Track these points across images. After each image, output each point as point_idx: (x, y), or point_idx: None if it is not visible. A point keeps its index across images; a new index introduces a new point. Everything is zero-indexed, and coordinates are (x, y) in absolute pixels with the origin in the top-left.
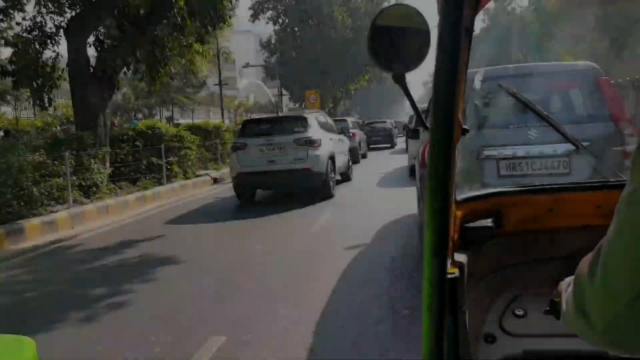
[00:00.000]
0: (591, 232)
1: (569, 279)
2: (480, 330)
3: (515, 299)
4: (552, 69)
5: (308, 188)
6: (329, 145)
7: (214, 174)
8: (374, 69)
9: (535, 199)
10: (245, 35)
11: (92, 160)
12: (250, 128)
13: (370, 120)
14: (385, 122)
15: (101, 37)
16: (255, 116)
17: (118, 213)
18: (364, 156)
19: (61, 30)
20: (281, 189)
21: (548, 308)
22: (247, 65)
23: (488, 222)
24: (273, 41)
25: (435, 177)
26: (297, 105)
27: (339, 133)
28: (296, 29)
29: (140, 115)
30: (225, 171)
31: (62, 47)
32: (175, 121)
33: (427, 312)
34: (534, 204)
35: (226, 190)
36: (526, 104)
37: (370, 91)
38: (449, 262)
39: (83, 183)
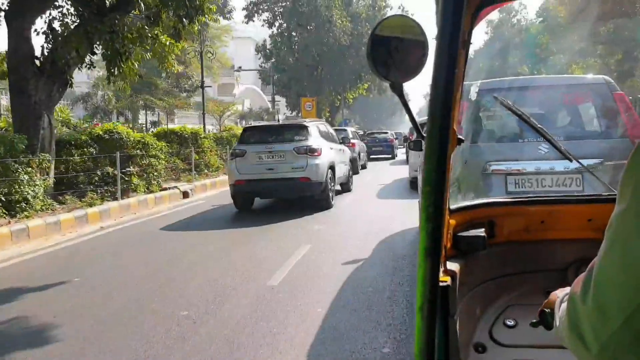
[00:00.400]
0: (582, 245)
1: (561, 291)
2: (470, 339)
3: (506, 309)
4: (564, 81)
5: (307, 197)
6: (330, 154)
7: (185, 186)
8: (375, 78)
9: (527, 211)
10: (245, 41)
11: (23, 169)
12: (249, 135)
13: (372, 131)
14: (386, 133)
15: (53, 25)
16: (255, 123)
17: (43, 237)
18: (364, 167)
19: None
20: (280, 197)
21: (536, 320)
22: (239, 69)
23: (480, 231)
24: (268, 45)
25: (430, 184)
26: (294, 113)
27: (340, 143)
28: (293, 33)
29: (122, 119)
30: (200, 183)
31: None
32: (161, 126)
33: (419, 319)
34: (526, 215)
35: (196, 207)
36: (521, 116)
37: (370, 101)
38: (441, 270)
39: (7, 198)
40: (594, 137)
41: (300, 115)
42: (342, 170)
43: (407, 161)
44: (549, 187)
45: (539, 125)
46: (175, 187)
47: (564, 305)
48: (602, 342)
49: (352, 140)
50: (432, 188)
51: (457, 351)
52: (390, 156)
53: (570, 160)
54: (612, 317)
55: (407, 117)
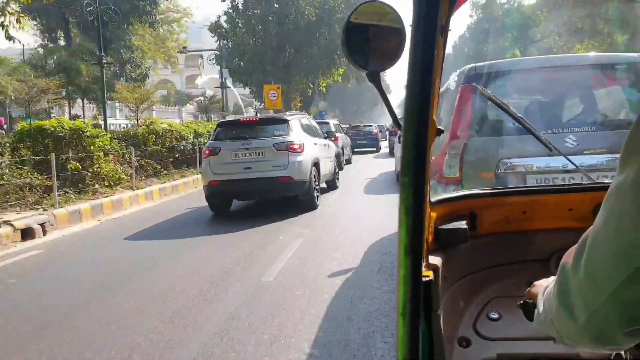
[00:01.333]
0: (564, 235)
1: (543, 281)
2: (455, 334)
3: (489, 302)
4: (587, 60)
5: (290, 198)
6: (313, 150)
7: (26, 221)
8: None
9: (508, 201)
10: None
11: None
12: (224, 131)
13: (356, 124)
14: (371, 126)
15: None
16: (232, 117)
17: None
18: (349, 161)
19: None
20: (259, 198)
21: (521, 303)
22: (184, 51)
23: (462, 224)
24: (224, 23)
25: (409, 177)
26: (260, 104)
27: (324, 136)
28: (254, 9)
29: (53, 112)
30: (72, 209)
31: None
32: (98, 122)
33: (401, 316)
34: (507, 206)
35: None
36: (501, 107)
37: (349, 92)
38: (423, 265)
39: None
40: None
41: (263, 105)
42: (327, 167)
43: (390, 154)
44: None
45: (518, 115)
46: (10, 223)
47: (550, 285)
48: (591, 312)
49: (335, 134)
50: (411, 182)
51: (441, 347)
52: (374, 149)
53: (551, 150)
54: (602, 286)
55: (382, 110)
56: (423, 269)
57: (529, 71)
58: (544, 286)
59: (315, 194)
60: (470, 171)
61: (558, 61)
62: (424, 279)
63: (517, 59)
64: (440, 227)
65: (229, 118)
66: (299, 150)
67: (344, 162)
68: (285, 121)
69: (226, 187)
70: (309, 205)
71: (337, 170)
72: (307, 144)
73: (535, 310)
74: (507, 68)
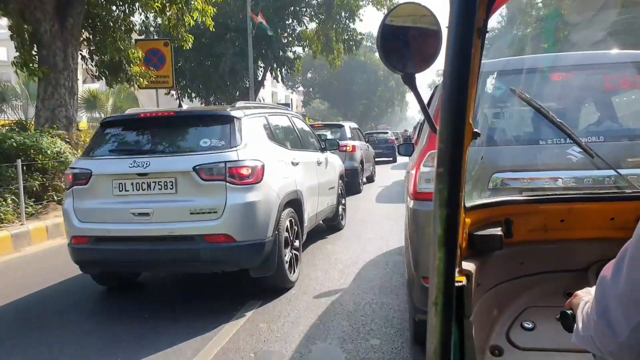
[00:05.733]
0: (604, 245)
1: (584, 291)
2: (486, 342)
3: (524, 311)
4: (606, 59)
5: (226, 273)
6: (288, 175)
7: None
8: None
9: (545, 209)
10: None
11: None
12: (108, 137)
13: (369, 131)
14: (386, 132)
15: None
16: (131, 110)
17: None
18: (370, 179)
19: None
20: (167, 272)
21: (559, 316)
22: None
23: (497, 230)
24: None
25: (445, 182)
26: (201, 101)
27: (320, 147)
28: None
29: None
30: None
31: None
32: None
33: (435, 315)
34: (545, 214)
35: None
36: (539, 110)
37: (355, 91)
38: (456, 270)
39: None
40: None
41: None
42: (322, 202)
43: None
44: None
45: (558, 120)
46: None
47: (590, 302)
48: (632, 327)
49: (350, 142)
50: (446, 187)
51: (473, 355)
52: (391, 159)
53: (592, 156)
54: None
55: (405, 113)
56: (456, 274)
57: (534, 71)
58: (584, 300)
59: (284, 268)
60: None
61: (572, 59)
62: (456, 284)
63: (520, 57)
64: (474, 232)
65: (129, 111)
66: (251, 178)
67: (363, 182)
68: (229, 120)
69: (101, 252)
70: (274, 283)
71: (342, 201)
72: (273, 165)
73: (575, 324)
74: (508, 67)
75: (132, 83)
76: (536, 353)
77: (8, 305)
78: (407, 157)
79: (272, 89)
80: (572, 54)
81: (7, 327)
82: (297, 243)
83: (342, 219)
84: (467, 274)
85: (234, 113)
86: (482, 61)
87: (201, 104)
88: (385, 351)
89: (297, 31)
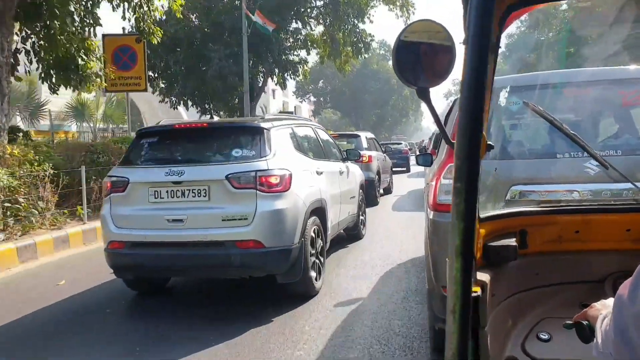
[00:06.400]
0: (620, 257)
1: (600, 303)
2: (502, 352)
3: (539, 322)
4: (622, 75)
5: (256, 277)
6: (313, 184)
7: None
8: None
9: (560, 220)
10: None
11: None
12: (144, 147)
13: (384, 142)
14: (400, 143)
15: None
16: (165, 122)
17: None
18: (388, 190)
19: None
20: (198, 277)
21: (571, 322)
22: None
23: (512, 241)
24: None
25: (462, 194)
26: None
27: (342, 157)
28: None
29: None
30: None
31: None
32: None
33: (453, 324)
34: (560, 225)
35: None
36: (552, 122)
37: (367, 100)
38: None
39: None
40: None
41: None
42: (344, 210)
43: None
44: None
45: (572, 132)
46: None
47: (608, 317)
48: None
49: (368, 153)
50: (462, 197)
51: None
52: (405, 169)
53: (606, 167)
54: None
55: (420, 123)
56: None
57: (549, 87)
58: (603, 315)
59: (311, 273)
60: None
61: (587, 76)
62: (471, 294)
63: (534, 74)
64: (489, 243)
65: (163, 122)
66: (279, 187)
67: (380, 194)
68: (259, 131)
69: (137, 257)
70: (301, 289)
71: (363, 210)
72: (299, 174)
73: (594, 339)
74: (523, 83)
75: (84, 85)
76: None
77: (51, 311)
78: (424, 167)
79: (284, 98)
80: (589, 70)
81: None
82: (321, 250)
83: (362, 228)
84: (481, 285)
85: (263, 125)
86: (504, 77)
87: (198, 113)
88: (407, 358)
89: (303, 34)
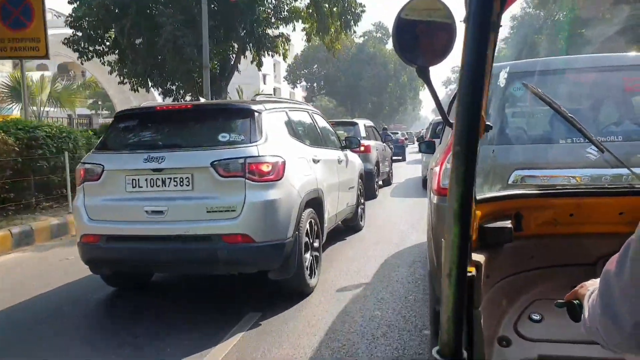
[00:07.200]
0: (613, 240)
1: (590, 282)
2: (495, 333)
3: (532, 303)
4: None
5: (247, 273)
6: (309, 173)
7: None
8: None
9: (555, 203)
10: None
11: None
12: (123, 131)
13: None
14: (397, 133)
15: None
16: (147, 104)
17: None
18: (387, 182)
19: None
20: (183, 274)
21: (562, 302)
22: None
23: (507, 223)
24: None
25: (458, 173)
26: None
27: (341, 145)
28: None
29: None
30: None
31: None
32: None
33: (445, 310)
34: (555, 207)
35: None
36: (551, 105)
37: (363, 87)
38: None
39: None
40: None
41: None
42: (342, 201)
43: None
44: None
45: (570, 115)
46: None
47: (595, 290)
48: (637, 319)
49: (366, 142)
50: (459, 177)
51: (481, 345)
52: (400, 158)
53: (602, 151)
54: None
55: (418, 112)
56: None
57: (554, 72)
58: (590, 291)
59: (304, 271)
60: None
61: (590, 62)
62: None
63: (537, 60)
64: (484, 225)
65: (145, 104)
66: (271, 175)
67: (378, 185)
68: (249, 114)
69: (113, 251)
70: (294, 286)
71: (362, 201)
72: (294, 162)
73: (582, 315)
74: (527, 69)
75: None
76: (544, 344)
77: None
78: (420, 155)
79: (276, 84)
80: (592, 56)
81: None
82: (317, 244)
83: (361, 220)
84: (476, 265)
85: (254, 107)
86: (509, 62)
87: (160, 95)
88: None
89: (287, 5)
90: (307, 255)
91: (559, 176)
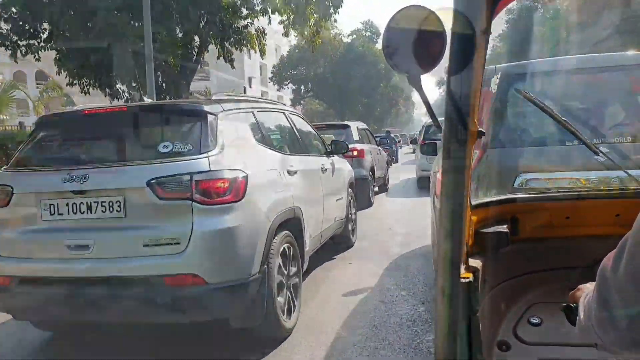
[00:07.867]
0: (610, 242)
1: (588, 285)
2: (494, 337)
3: (530, 307)
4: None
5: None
6: (280, 189)
7: None
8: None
9: (551, 206)
10: None
11: None
12: (41, 143)
13: (377, 135)
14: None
15: None
16: (81, 107)
17: None
18: (383, 188)
19: None
20: (117, 322)
21: (565, 304)
22: None
23: (503, 228)
24: None
25: (449, 179)
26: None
27: (326, 151)
28: None
29: None
30: None
31: None
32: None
33: (440, 317)
34: (550, 211)
35: None
36: (543, 109)
37: (353, 90)
38: (462, 267)
39: None
40: None
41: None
42: (329, 217)
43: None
44: None
45: (563, 119)
46: None
47: (591, 290)
48: (633, 315)
49: (359, 146)
50: (451, 185)
51: (480, 349)
52: (392, 158)
53: (596, 153)
54: None
55: (411, 114)
56: (462, 271)
57: (553, 74)
58: (585, 293)
59: (280, 312)
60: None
61: (592, 62)
62: (463, 280)
63: (536, 60)
64: (481, 230)
65: (76, 108)
66: (228, 195)
67: (374, 192)
68: (200, 116)
69: (28, 297)
70: (265, 333)
71: (353, 212)
72: (261, 176)
73: (577, 317)
74: (525, 70)
75: None
76: (543, 347)
77: None
78: (413, 157)
79: (262, 87)
80: (599, 56)
81: None
82: (295, 273)
83: (352, 235)
84: (473, 271)
85: (207, 107)
86: (511, 64)
87: (107, 97)
88: None
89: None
90: (281, 295)
91: (565, 178)
